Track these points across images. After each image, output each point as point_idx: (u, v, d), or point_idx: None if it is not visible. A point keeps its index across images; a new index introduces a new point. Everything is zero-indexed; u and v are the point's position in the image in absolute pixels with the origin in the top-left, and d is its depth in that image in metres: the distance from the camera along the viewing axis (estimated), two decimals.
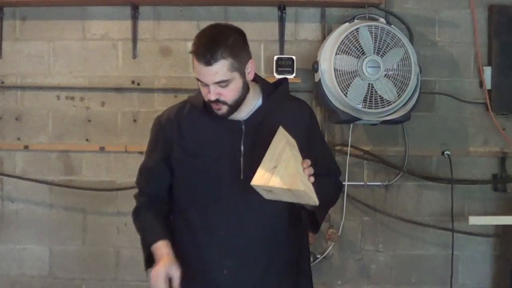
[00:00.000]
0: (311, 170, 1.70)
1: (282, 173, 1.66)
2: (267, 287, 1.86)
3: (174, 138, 1.88)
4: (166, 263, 1.79)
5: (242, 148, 1.83)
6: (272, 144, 1.72)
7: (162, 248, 1.84)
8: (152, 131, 1.96)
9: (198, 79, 1.78)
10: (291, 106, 1.95)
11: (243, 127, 1.85)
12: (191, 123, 1.89)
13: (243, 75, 1.80)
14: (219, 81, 1.74)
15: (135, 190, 3.45)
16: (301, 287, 1.97)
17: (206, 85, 1.77)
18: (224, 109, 1.80)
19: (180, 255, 1.87)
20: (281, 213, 1.85)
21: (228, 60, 1.74)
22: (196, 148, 1.86)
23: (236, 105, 1.81)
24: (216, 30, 1.81)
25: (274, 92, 1.92)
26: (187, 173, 1.87)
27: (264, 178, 1.66)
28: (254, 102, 1.88)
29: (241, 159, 1.81)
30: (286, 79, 1.99)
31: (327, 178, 1.93)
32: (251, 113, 1.87)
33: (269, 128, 1.79)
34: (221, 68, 1.73)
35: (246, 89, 1.83)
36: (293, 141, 1.75)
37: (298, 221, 1.90)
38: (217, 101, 1.77)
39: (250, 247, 1.82)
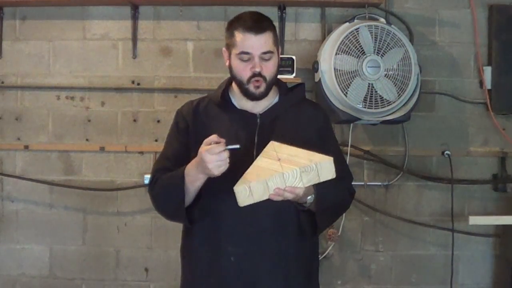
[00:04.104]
0: (287, 195, 1.67)
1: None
2: (274, 278, 1.85)
3: (191, 127, 1.92)
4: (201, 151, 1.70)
5: (256, 140, 1.86)
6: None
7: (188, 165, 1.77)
8: (173, 123, 2.00)
9: (242, 53, 1.83)
10: (307, 107, 2.00)
11: (258, 120, 1.90)
12: (208, 114, 1.94)
13: (278, 54, 1.90)
14: (266, 51, 1.83)
15: (135, 190, 3.46)
16: (311, 283, 1.98)
17: (249, 60, 1.83)
18: (262, 86, 1.85)
19: (189, 240, 1.91)
20: (292, 207, 1.84)
21: (273, 32, 1.87)
22: None
23: (270, 85, 1.88)
24: (253, 11, 1.93)
25: (290, 92, 1.99)
26: None
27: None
28: (271, 98, 1.95)
29: (254, 150, 1.83)
30: (303, 83, 2.05)
31: (336, 183, 1.91)
32: (267, 108, 1.93)
33: (284, 124, 1.88)
34: (268, 38, 1.84)
35: (277, 72, 1.91)
36: (324, 175, 1.69)
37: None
38: (259, 74, 1.84)
39: (258, 237, 1.82)
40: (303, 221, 1.87)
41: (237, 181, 1.69)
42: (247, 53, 1.83)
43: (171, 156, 1.92)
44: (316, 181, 1.67)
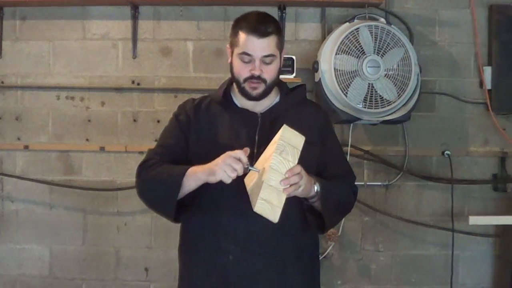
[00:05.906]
0: (294, 179, 1.66)
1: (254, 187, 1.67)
2: (273, 277, 1.85)
3: (192, 123, 1.93)
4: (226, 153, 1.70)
5: (256, 138, 1.86)
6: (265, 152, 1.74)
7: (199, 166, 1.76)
8: (173, 116, 2.00)
9: (243, 54, 1.84)
10: (308, 107, 2.01)
11: (259, 119, 1.90)
12: (209, 113, 1.94)
13: (280, 57, 1.90)
14: (268, 54, 1.83)
15: (135, 190, 3.46)
16: (312, 283, 1.97)
17: (250, 62, 1.84)
18: (261, 88, 1.86)
19: (187, 238, 1.91)
20: (292, 204, 1.81)
21: (277, 36, 1.86)
22: (212, 135, 1.89)
23: (270, 88, 1.89)
24: (261, 12, 1.93)
25: (291, 92, 2.00)
26: (200, 157, 1.85)
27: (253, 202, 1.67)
28: (272, 98, 1.96)
29: (255, 149, 1.83)
30: (304, 84, 2.06)
31: (338, 180, 1.92)
32: (268, 107, 1.93)
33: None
34: (272, 42, 1.84)
35: (279, 74, 1.91)
36: (296, 142, 1.70)
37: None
38: (259, 77, 1.84)
39: (257, 234, 1.81)
40: (310, 220, 1.88)
41: (237, 180, 1.70)
42: (248, 54, 1.83)
43: (167, 145, 1.92)
44: (297, 153, 1.67)
